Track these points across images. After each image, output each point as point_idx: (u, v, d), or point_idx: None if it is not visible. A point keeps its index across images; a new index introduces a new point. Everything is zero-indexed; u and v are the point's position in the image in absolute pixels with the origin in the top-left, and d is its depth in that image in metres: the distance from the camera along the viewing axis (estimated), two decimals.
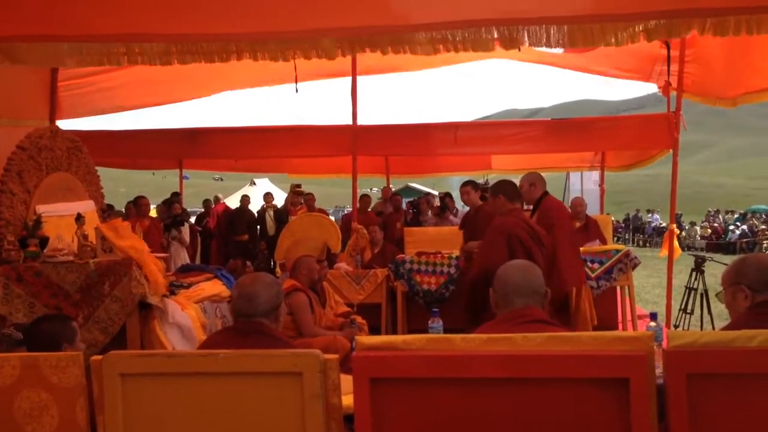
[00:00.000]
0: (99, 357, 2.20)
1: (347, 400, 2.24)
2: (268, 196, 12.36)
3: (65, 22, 3.99)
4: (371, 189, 42.77)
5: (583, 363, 2.07)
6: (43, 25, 4.00)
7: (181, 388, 2.18)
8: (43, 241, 4.83)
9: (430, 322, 3.57)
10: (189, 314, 5.01)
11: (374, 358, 2.15)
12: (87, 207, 5.57)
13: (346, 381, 2.22)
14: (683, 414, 2.02)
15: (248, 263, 8.49)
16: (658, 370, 2.15)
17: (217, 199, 12.89)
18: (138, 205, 9.51)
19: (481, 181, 13.76)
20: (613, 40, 3.91)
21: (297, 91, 8.14)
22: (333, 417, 2.19)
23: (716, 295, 2.74)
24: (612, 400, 2.05)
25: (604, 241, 8.27)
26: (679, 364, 2.04)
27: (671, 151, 7.81)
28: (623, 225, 36.93)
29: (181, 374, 2.18)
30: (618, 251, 7.45)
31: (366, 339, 2.20)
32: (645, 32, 3.84)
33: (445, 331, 3.53)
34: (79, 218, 4.88)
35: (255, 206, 12.84)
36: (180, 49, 3.95)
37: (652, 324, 3.26)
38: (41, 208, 5.15)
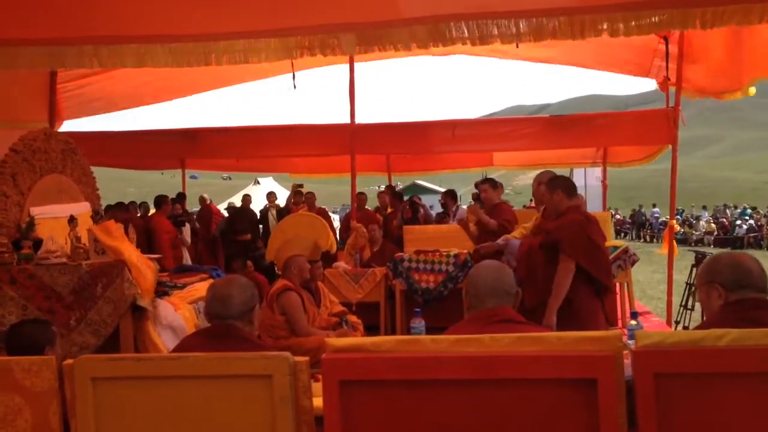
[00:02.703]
0: (71, 361, 2.22)
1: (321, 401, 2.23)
2: (270, 196, 12.35)
3: (39, 25, 4.00)
4: (379, 186, 42.71)
5: (551, 364, 2.06)
6: (12, 29, 4.01)
7: (152, 392, 2.19)
8: (37, 243, 4.82)
9: (411, 322, 3.55)
10: (183, 315, 5.02)
11: (343, 361, 2.15)
12: (81, 209, 5.58)
13: None
14: (651, 413, 2.01)
15: (249, 263, 8.47)
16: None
17: (203, 200, 12.89)
18: (164, 204, 9.68)
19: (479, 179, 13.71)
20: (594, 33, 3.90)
21: (295, 87, 8.14)
22: (303, 419, 2.19)
23: (693, 293, 2.74)
24: (580, 401, 2.04)
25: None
26: (647, 364, 2.03)
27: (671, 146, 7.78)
28: (630, 221, 36.75)
29: (152, 377, 2.18)
30: (617, 248, 7.41)
31: (335, 341, 2.20)
32: (610, 30, 3.82)
33: (438, 330, 3.51)
34: (72, 220, 4.89)
35: (258, 206, 12.82)
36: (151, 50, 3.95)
37: (633, 323, 3.25)
38: (35, 210, 5.16)
